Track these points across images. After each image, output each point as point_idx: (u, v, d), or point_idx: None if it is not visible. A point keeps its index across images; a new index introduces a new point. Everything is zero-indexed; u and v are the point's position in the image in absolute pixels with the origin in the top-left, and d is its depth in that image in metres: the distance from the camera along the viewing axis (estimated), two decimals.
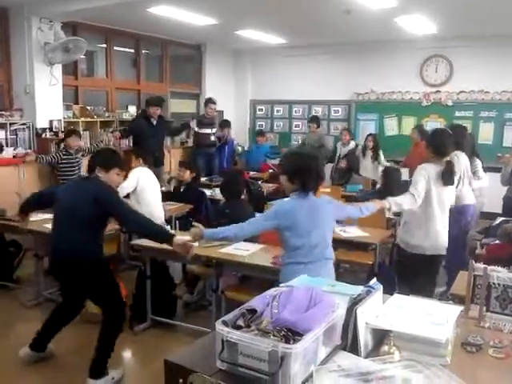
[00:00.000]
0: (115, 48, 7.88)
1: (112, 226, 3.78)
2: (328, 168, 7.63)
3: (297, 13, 6.33)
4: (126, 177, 4.51)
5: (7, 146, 6.04)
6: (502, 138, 7.93)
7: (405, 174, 6.27)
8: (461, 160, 4.57)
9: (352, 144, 8.11)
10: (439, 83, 8.38)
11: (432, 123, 8.21)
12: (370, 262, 4.11)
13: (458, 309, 1.83)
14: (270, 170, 8.34)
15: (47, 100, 6.41)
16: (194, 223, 3.00)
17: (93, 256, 3.13)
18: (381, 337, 1.67)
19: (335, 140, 8.82)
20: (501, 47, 7.66)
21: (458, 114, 8.21)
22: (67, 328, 3.40)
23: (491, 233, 4.17)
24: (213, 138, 7.96)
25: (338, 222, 3.44)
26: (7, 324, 4.10)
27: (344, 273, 4.60)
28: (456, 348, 1.69)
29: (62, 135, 6.32)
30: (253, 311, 1.55)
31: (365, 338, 1.64)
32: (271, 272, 3.32)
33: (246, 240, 3.76)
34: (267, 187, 7.00)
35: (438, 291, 4.09)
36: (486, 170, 5.25)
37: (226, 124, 8.65)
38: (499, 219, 4.50)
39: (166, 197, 5.43)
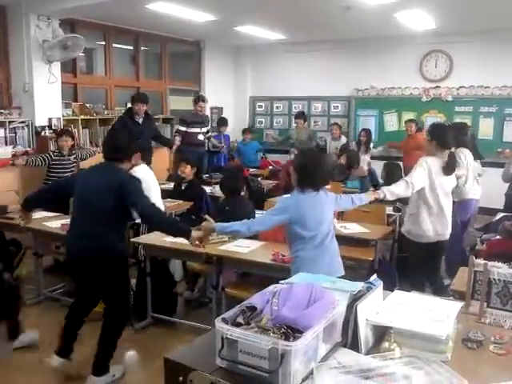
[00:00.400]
0: (114, 45, 7.86)
1: None
2: None
3: (296, 9, 6.31)
4: None
5: (6, 145, 6.02)
6: (502, 134, 7.92)
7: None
8: (466, 156, 4.71)
9: (343, 139, 8.17)
10: (439, 78, 8.36)
11: (432, 119, 8.19)
12: (371, 259, 4.10)
13: (458, 305, 1.82)
14: (270, 167, 8.35)
15: (46, 98, 6.39)
16: (206, 217, 3.06)
17: (119, 253, 3.05)
18: (381, 333, 1.67)
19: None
20: (501, 42, 7.64)
21: (457, 109, 8.21)
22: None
23: (491, 228, 4.18)
24: (201, 138, 7.57)
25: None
26: None
27: (344, 269, 4.58)
28: (456, 344, 1.68)
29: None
30: (252, 308, 1.55)
31: (365, 335, 1.63)
32: (271, 269, 3.33)
33: (246, 237, 3.77)
34: (267, 184, 7.00)
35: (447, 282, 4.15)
36: (486, 165, 5.27)
37: (222, 122, 8.58)
38: (499, 215, 4.50)
39: (166, 194, 5.39)
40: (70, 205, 4.19)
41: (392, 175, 5.59)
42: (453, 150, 3.95)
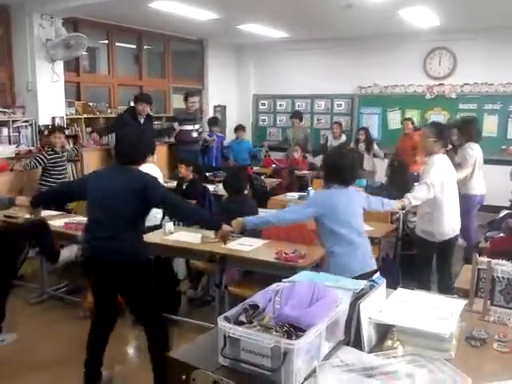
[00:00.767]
0: (117, 44, 7.86)
1: None
2: (317, 161, 7.77)
3: (299, 6, 6.30)
4: None
5: (10, 144, 6.03)
6: (506, 131, 7.87)
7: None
8: (475, 151, 4.85)
9: (343, 138, 8.19)
10: (443, 76, 8.33)
11: (436, 116, 8.18)
12: (375, 256, 4.10)
13: (462, 303, 1.81)
14: (273, 165, 8.34)
15: (49, 97, 6.40)
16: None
17: (142, 257, 2.90)
18: (384, 331, 1.66)
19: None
20: (505, 39, 7.61)
21: (461, 106, 8.17)
22: (67, 324, 3.37)
23: (495, 226, 4.16)
24: (195, 135, 7.52)
25: None
26: (11, 321, 4.09)
27: None
28: (460, 342, 1.67)
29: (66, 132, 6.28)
30: (255, 307, 1.55)
31: (368, 333, 1.63)
32: (275, 267, 3.32)
33: (249, 235, 3.78)
34: (270, 182, 6.99)
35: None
36: (490, 162, 5.29)
37: (214, 122, 8.49)
38: (503, 212, 4.49)
39: None
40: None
41: (397, 172, 5.60)
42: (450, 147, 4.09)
